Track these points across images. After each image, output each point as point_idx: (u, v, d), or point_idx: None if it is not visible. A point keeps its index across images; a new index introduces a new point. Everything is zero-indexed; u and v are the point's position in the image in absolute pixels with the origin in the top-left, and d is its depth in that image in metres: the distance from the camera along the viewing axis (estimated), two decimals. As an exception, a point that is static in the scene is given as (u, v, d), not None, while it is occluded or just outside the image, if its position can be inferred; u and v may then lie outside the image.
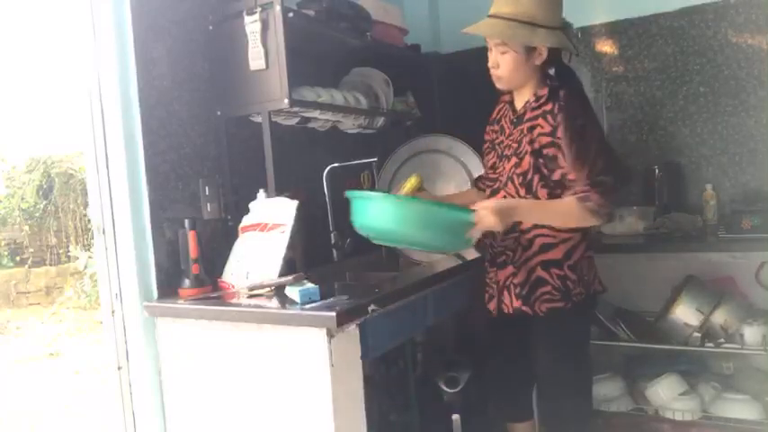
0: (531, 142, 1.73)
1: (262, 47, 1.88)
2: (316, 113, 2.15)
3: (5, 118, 8.27)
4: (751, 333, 2.29)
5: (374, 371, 2.29)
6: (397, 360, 2.40)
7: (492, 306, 1.91)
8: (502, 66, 1.76)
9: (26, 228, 7.93)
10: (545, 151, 1.71)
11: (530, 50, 1.73)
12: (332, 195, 2.36)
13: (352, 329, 1.56)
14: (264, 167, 1.94)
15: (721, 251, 2.24)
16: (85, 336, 6.03)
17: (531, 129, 1.75)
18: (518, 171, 1.77)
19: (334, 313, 1.45)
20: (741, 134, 2.61)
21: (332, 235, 2.37)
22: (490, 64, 1.78)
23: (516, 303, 1.82)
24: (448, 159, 2.50)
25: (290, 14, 1.89)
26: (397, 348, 2.21)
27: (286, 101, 1.88)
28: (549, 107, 1.72)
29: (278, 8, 1.85)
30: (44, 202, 7.90)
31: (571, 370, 1.85)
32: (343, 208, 2.45)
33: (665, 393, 2.43)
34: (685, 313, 2.38)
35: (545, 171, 1.72)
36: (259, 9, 1.87)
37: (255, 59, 1.90)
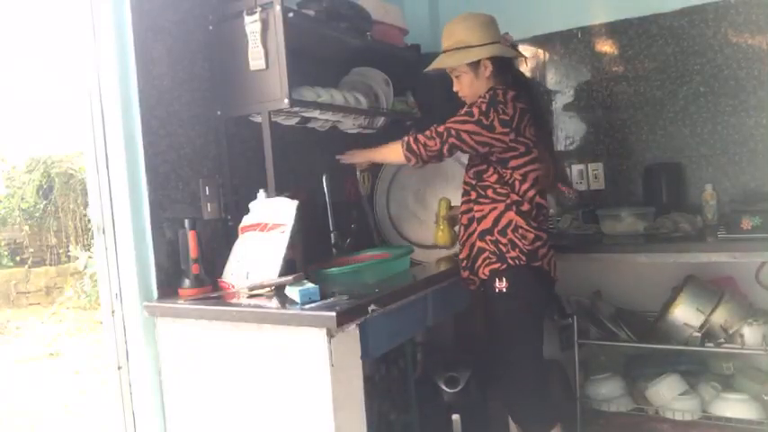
0: None
1: (262, 47, 1.88)
2: (316, 113, 2.15)
3: (5, 118, 8.28)
4: (751, 333, 2.29)
5: (374, 371, 2.29)
6: (397, 360, 2.40)
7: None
8: (461, 87, 2.04)
9: (26, 228, 7.94)
10: None
11: (475, 68, 1.99)
12: (332, 195, 2.37)
13: (352, 329, 1.56)
14: (264, 167, 1.94)
15: (721, 251, 2.24)
16: (85, 336, 6.04)
17: None
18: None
19: (334, 313, 1.45)
20: (741, 134, 2.61)
21: (332, 235, 2.37)
22: (455, 89, 2.07)
23: (464, 274, 2.06)
24: (447, 159, 2.50)
25: (290, 14, 1.89)
26: (397, 348, 2.22)
27: (286, 101, 1.88)
28: None
29: (278, 8, 1.85)
30: (44, 202, 7.90)
31: (513, 348, 1.97)
32: (343, 208, 2.47)
33: (665, 393, 2.42)
34: (685, 313, 2.37)
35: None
36: (259, 9, 1.87)
37: (255, 59, 1.90)
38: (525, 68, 2.99)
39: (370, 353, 1.64)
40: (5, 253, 7.90)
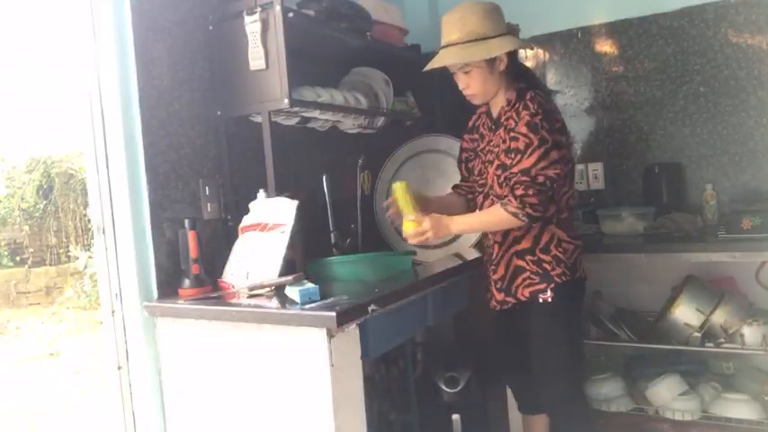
0: (504, 141, 1.87)
1: (262, 47, 1.88)
2: (316, 113, 2.15)
3: (5, 118, 8.27)
4: (751, 333, 2.28)
5: (374, 371, 2.29)
6: (397, 360, 2.40)
7: (491, 303, 2.04)
8: (471, 84, 1.88)
9: (26, 228, 7.93)
10: (512, 144, 1.82)
11: (491, 62, 1.84)
12: (332, 195, 2.37)
13: (352, 329, 1.55)
14: (264, 167, 1.94)
15: (721, 251, 2.23)
16: (85, 336, 6.03)
17: (507, 129, 1.87)
18: (497, 172, 1.90)
19: (334, 313, 1.45)
20: (741, 134, 2.61)
21: (332, 235, 2.37)
22: (461, 87, 1.90)
23: (499, 296, 1.97)
24: (448, 159, 2.50)
25: (290, 14, 1.89)
26: (397, 348, 2.21)
27: (286, 101, 1.88)
28: (517, 105, 1.86)
29: (278, 8, 1.85)
30: (44, 202, 7.90)
31: (561, 357, 1.93)
32: (343, 208, 2.47)
33: (665, 393, 2.42)
34: (685, 313, 2.37)
35: (509, 164, 1.83)
36: (259, 9, 1.87)
37: (255, 59, 1.90)
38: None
39: (370, 353, 1.63)
40: (5, 253, 7.90)
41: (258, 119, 2.00)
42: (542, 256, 1.87)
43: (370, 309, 1.57)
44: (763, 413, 2.29)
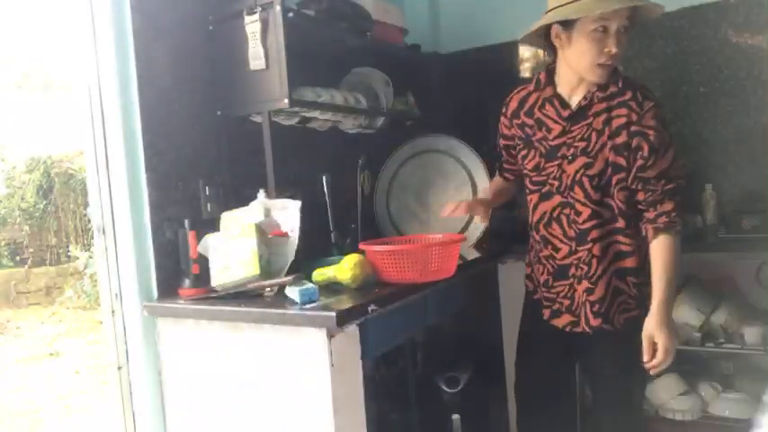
0: (612, 136, 1.58)
1: (262, 47, 1.88)
2: (316, 113, 2.15)
3: (5, 118, 8.28)
4: (751, 333, 2.29)
5: (374, 371, 2.29)
6: (397, 360, 2.40)
7: (559, 322, 1.72)
8: (621, 47, 1.54)
9: (26, 228, 7.93)
10: (634, 141, 1.55)
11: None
12: (332, 195, 2.36)
13: (352, 329, 1.55)
14: (264, 167, 1.94)
15: (721, 251, 2.24)
16: (85, 336, 6.03)
17: (608, 121, 1.58)
18: (590, 172, 1.60)
19: (334, 313, 1.45)
20: (741, 134, 2.61)
21: (332, 235, 2.37)
22: (615, 49, 1.51)
23: (595, 322, 1.64)
24: (448, 159, 2.50)
25: (290, 14, 1.89)
26: (397, 348, 2.21)
27: (286, 101, 1.88)
28: (628, 95, 1.57)
29: (278, 8, 1.85)
30: (44, 202, 7.89)
31: (630, 393, 1.71)
32: (343, 208, 2.47)
33: (665, 393, 2.43)
34: (685, 313, 2.37)
35: (626, 165, 1.57)
36: (259, 9, 1.87)
37: (255, 59, 1.90)
38: (525, 68, 3.00)
39: (370, 353, 1.64)
40: (5, 253, 7.89)
41: (258, 119, 2.00)
42: (645, 279, 1.61)
43: (370, 309, 1.57)
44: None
